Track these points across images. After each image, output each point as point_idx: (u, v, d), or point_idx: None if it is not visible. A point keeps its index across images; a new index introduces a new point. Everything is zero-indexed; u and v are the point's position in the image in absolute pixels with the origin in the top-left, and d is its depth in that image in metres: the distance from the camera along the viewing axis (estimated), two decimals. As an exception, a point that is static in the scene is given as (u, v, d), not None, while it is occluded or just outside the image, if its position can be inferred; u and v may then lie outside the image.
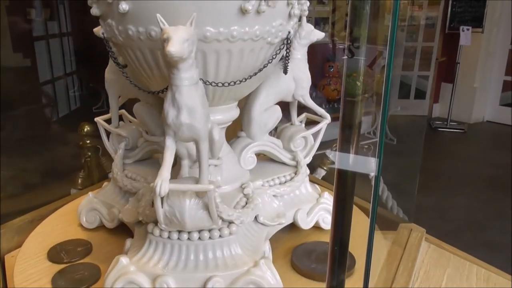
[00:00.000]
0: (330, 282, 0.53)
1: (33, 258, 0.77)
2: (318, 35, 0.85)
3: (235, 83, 0.68)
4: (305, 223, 0.85)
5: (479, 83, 4.50)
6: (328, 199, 0.87)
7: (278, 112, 0.86)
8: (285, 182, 0.86)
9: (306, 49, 0.86)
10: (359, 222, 0.64)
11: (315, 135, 0.91)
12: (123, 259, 0.63)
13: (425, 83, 4.17)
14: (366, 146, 0.58)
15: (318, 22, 3.22)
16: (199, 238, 0.64)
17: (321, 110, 0.90)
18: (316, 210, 0.86)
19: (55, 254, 0.78)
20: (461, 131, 4.29)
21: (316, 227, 0.87)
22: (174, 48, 0.52)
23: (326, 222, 0.87)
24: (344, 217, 0.53)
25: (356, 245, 0.55)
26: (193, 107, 0.57)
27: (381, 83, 0.78)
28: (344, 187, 0.53)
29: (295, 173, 0.88)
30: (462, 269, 0.83)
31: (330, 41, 3.37)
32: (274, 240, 0.78)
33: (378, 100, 0.73)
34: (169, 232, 0.65)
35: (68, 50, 3.12)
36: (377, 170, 0.54)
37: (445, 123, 4.39)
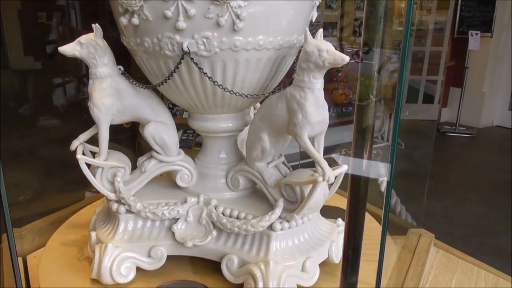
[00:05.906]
0: (343, 284, 0.55)
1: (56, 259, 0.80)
2: (330, 57, 0.61)
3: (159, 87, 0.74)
4: (229, 275, 0.71)
5: (488, 87, 4.48)
6: (264, 270, 0.66)
7: (263, 143, 0.71)
8: (244, 218, 0.72)
9: (315, 75, 0.63)
10: (369, 227, 0.65)
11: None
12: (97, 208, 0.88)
13: (434, 88, 4.15)
14: (374, 151, 0.58)
15: (326, 27, 3.22)
16: (117, 210, 0.76)
17: (321, 162, 0.64)
18: (244, 268, 0.69)
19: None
20: (469, 135, 4.26)
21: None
22: (61, 47, 0.69)
23: None
24: (357, 221, 0.55)
25: (366, 250, 0.56)
26: (90, 97, 0.72)
27: (389, 87, 0.78)
28: (357, 192, 0.55)
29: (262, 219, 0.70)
30: (471, 274, 0.84)
31: (338, 45, 3.38)
32: (195, 271, 0.75)
33: (385, 104, 0.74)
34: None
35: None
36: (390, 176, 0.56)
37: (454, 127, 4.37)
